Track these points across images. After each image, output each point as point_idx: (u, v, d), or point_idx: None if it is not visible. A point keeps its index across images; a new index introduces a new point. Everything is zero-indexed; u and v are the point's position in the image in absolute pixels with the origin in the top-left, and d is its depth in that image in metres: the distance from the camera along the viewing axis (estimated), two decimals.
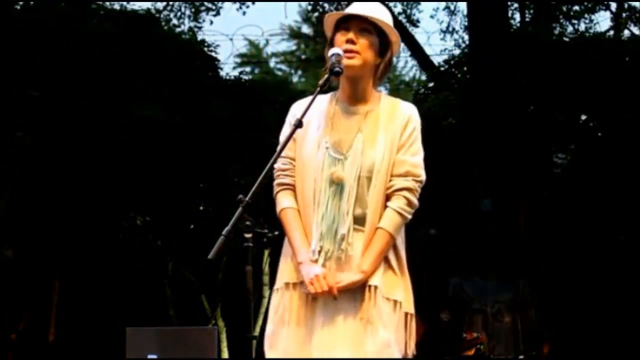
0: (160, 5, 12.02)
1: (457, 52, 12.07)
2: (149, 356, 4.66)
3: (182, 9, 12.40)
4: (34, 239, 8.80)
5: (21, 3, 9.19)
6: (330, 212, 2.80)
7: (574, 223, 8.88)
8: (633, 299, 8.48)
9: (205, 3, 12.42)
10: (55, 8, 8.74)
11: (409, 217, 2.86)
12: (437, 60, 11.64)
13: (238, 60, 15.13)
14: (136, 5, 18.05)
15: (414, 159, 2.89)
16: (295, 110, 2.95)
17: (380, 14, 2.89)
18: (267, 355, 2.83)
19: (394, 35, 2.92)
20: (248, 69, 15.22)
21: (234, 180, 8.74)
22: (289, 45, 16.69)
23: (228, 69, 20.53)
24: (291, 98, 3.94)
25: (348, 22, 2.88)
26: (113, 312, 9.01)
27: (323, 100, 2.94)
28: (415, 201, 2.87)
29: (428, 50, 13.11)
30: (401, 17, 12.86)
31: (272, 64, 16.14)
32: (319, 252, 2.79)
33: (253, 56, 15.58)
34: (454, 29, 13.14)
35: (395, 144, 2.86)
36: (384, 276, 2.82)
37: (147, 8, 11.05)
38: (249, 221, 2.55)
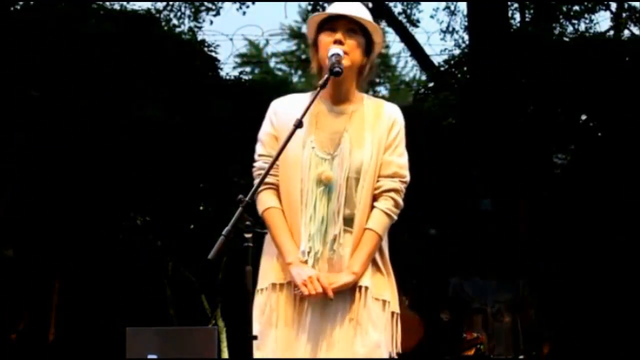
0: (160, 5, 12.04)
1: (457, 52, 12.08)
2: (149, 356, 4.65)
3: (182, 9, 12.41)
4: (34, 239, 8.79)
5: (21, 3, 9.19)
6: (319, 213, 2.78)
7: (574, 223, 8.87)
8: (633, 299, 8.47)
9: (205, 3, 12.44)
10: (55, 8, 8.73)
11: (395, 218, 2.89)
12: (437, 60, 11.66)
13: (238, 60, 15.15)
14: (136, 5, 18.08)
15: (401, 160, 2.90)
16: (277, 107, 2.92)
17: (366, 14, 2.88)
18: (256, 356, 2.78)
19: (378, 36, 2.91)
20: (248, 69, 15.23)
21: (234, 180, 8.74)
22: (289, 45, 16.72)
23: (228, 69, 20.57)
24: None
25: (334, 23, 2.85)
26: (113, 312, 9.01)
27: (304, 99, 2.89)
28: (401, 202, 2.90)
29: (428, 50, 13.13)
30: (401, 17, 12.87)
31: (272, 64, 16.15)
32: (308, 253, 2.78)
33: (253, 56, 15.59)
34: (454, 29, 13.15)
35: (382, 144, 2.86)
36: (373, 277, 2.84)
37: (147, 8, 11.07)
38: (249, 221, 2.54)
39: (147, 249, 9.38)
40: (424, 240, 9.36)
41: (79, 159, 8.19)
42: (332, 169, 2.80)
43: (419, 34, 19.28)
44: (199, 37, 10.93)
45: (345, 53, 2.81)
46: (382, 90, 16.59)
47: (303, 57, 15.83)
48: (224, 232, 2.45)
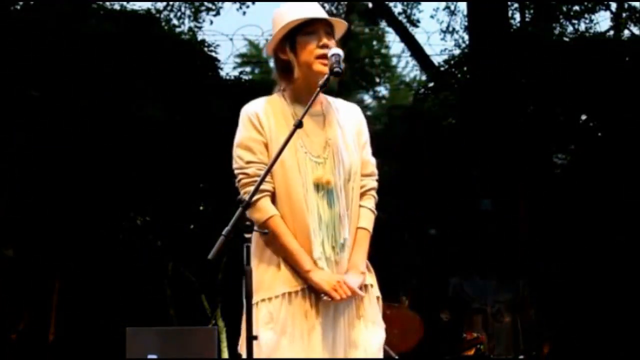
0: (160, 5, 12.04)
1: (457, 52, 12.08)
2: (149, 356, 4.66)
3: (182, 9, 12.41)
4: (34, 239, 8.79)
5: (21, 3, 9.19)
6: (324, 217, 2.79)
7: (574, 223, 8.87)
8: (633, 299, 8.47)
9: (205, 3, 12.44)
10: (55, 8, 8.73)
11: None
12: (437, 60, 11.67)
13: (238, 60, 15.15)
14: (136, 5, 18.03)
15: (372, 158, 2.98)
16: (257, 112, 2.85)
17: (325, 14, 2.88)
18: None
19: (340, 33, 2.92)
20: (248, 69, 15.22)
21: (233, 180, 8.73)
22: None
23: (228, 69, 20.59)
24: None
25: (313, 26, 2.83)
26: (113, 312, 9.00)
27: (275, 102, 2.89)
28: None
29: (428, 50, 13.14)
30: (401, 17, 12.88)
31: (272, 64, 16.11)
32: (321, 258, 2.79)
33: (253, 56, 15.57)
34: (454, 29, 13.15)
35: (360, 144, 2.92)
36: (369, 274, 2.89)
37: (147, 8, 11.07)
38: (249, 221, 2.54)
39: (147, 249, 9.38)
40: (424, 240, 9.37)
41: (79, 159, 8.19)
42: (328, 172, 2.81)
43: (419, 34, 19.31)
44: (199, 37, 10.94)
45: None
46: (382, 90, 16.62)
47: None
48: (224, 232, 2.45)
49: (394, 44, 24.99)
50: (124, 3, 10.25)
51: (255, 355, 2.62)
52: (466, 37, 11.97)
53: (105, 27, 8.46)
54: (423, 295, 7.83)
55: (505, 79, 8.82)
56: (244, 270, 2.54)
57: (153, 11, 11.26)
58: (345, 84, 12.27)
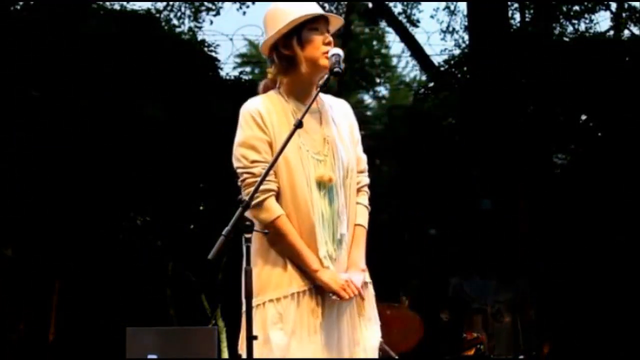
0: (160, 5, 12.02)
1: (457, 52, 12.07)
2: (149, 356, 4.66)
3: (182, 9, 12.39)
4: (34, 239, 8.79)
5: (21, 3, 9.19)
6: (326, 215, 2.79)
7: (574, 223, 8.88)
8: (633, 299, 8.47)
9: (205, 3, 12.42)
10: (55, 8, 8.73)
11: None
12: (437, 60, 11.66)
13: (238, 60, 15.11)
14: (136, 5, 17.97)
15: (364, 155, 3.01)
16: (259, 110, 2.81)
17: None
18: None
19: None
20: (248, 69, 15.18)
21: (234, 180, 8.73)
22: None
23: (228, 69, 20.53)
24: None
25: (316, 22, 2.84)
26: (113, 312, 9.00)
27: (274, 100, 2.87)
28: None
29: (428, 50, 13.11)
30: (401, 17, 12.87)
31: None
32: (326, 257, 2.80)
33: (253, 56, 15.55)
34: (454, 29, 13.13)
35: (354, 140, 2.95)
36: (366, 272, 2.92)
37: (147, 8, 11.05)
38: (249, 221, 2.54)
39: (147, 249, 9.38)
40: (424, 240, 9.38)
41: (79, 159, 8.19)
42: (328, 170, 2.81)
43: (419, 34, 19.27)
44: (199, 37, 10.94)
45: None
46: (382, 90, 16.60)
47: None
48: (224, 232, 2.44)
49: (394, 44, 24.97)
50: (124, 3, 10.27)
51: (266, 356, 2.64)
52: (466, 37, 11.96)
53: (105, 27, 8.46)
54: (423, 295, 7.84)
55: (505, 79, 8.82)
56: (244, 270, 2.54)
57: (153, 11, 11.25)
58: (345, 84, 12.26)
